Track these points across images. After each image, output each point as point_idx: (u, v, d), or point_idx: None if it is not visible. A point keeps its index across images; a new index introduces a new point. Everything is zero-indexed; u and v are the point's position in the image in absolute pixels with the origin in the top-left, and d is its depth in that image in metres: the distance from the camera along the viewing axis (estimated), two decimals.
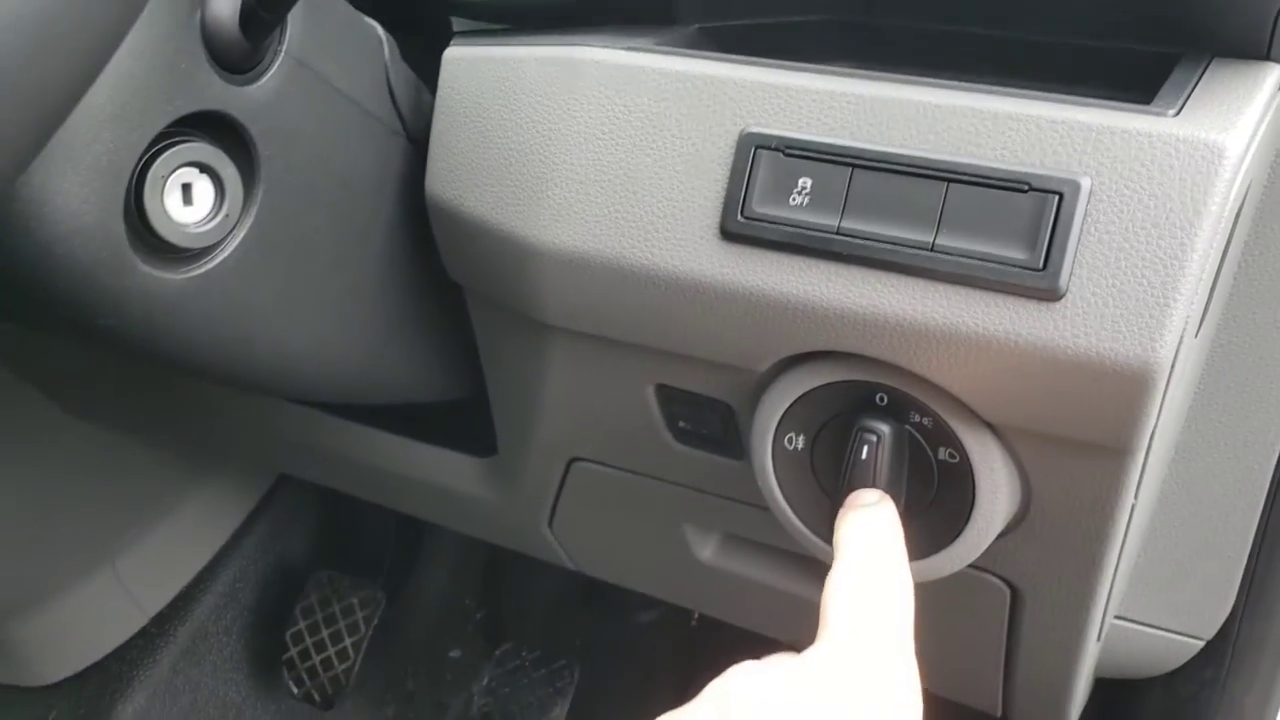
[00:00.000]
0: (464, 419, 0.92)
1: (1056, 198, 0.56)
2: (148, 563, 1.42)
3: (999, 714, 0.86)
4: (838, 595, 0.54)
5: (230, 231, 0.63)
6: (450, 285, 0.78)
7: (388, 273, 0.76)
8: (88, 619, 1.41)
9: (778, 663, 0.51)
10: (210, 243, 0.62)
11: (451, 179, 0.71)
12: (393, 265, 0.76)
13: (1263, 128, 0.58)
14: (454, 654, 1.64)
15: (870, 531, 0.58)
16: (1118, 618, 0.81)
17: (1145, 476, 0.64)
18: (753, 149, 0.62)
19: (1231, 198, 0.55)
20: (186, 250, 0.62)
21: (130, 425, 1.27)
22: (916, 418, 0.62)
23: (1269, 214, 0.70)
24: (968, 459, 0.62)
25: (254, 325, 0.67)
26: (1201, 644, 0.81)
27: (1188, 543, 0.78)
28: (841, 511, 0.61)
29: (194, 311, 0.63)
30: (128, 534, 1.41)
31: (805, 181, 0.61)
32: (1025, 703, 0.83)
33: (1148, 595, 0.80)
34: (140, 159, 0.57)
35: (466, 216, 0.70)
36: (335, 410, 0.98)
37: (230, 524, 1.49)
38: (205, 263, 0.63)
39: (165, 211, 0.59)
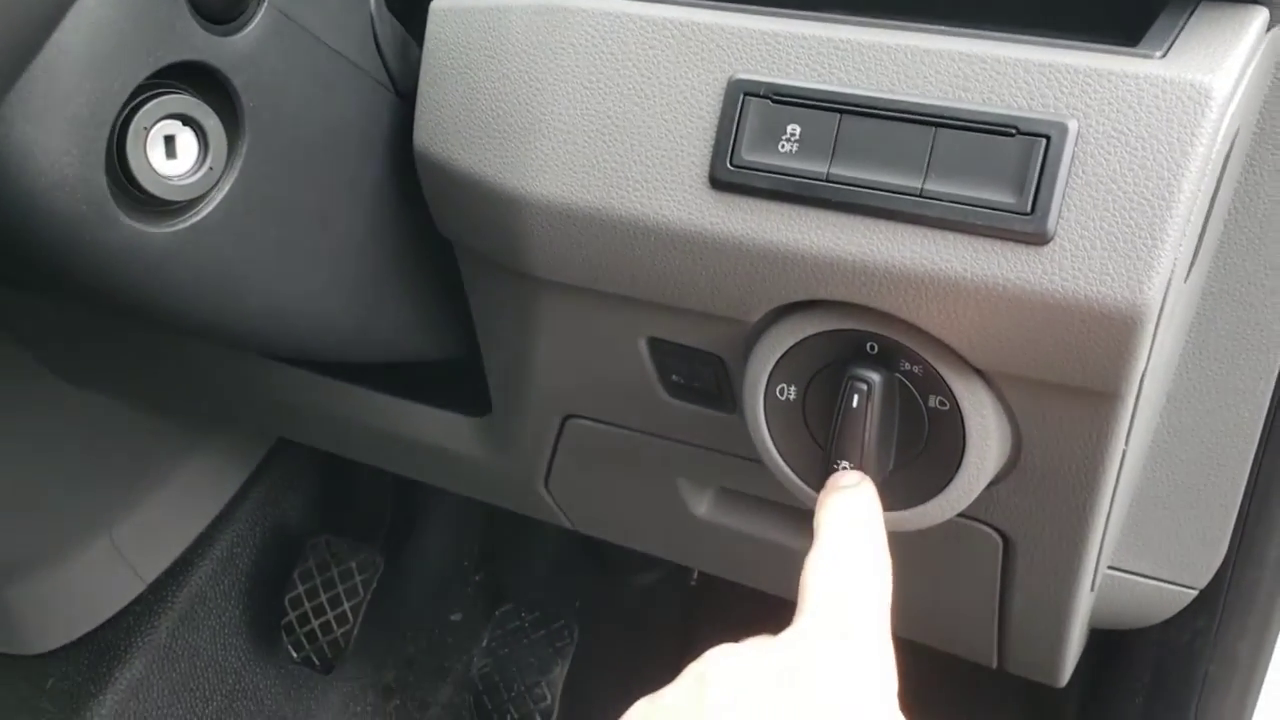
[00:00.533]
0: (458, 378, 0.92)
1: (1044, 141, 0.55)
2: (144, 530, 1.42)
3: (994, 665, 0.86)
4: (815, 577, 0.55)
5: (215, 185, 0.63)
6: (441, 241, 0.78)
7: (377, 228, 0.75)
8: (85, 587, 1.41)
9: (755, 644, 0.52)
10: (194, 196, 0.62)
11: (439, 132, 0.70)
12: (382, 220, 0.75)
13: (1250, 70, 0.57)
14: (454, 617, 1.64)
15: (849, 514, 0.59)
16: (1110, 568, 0.81)
17: (1136, 423, 0.64)
18: (741, 96, 0.61)
19: (1219, 139, 0.54)
20: (170, 203, 0.61)
21: (125, 391, 1.27)
22: (907, 366, 0.62)
23: (1258, 161, 0.69)
24: (958, 406, 0.62)
25: (241, 280, 0.67)
26: (1194, 593, 0.81)
27: (1180, 492, 0.78)
28: (821, 495, 0.61)
29: (179, 266, 0.63)
30: (124, 501, 1.40)
31: (794, 128, 0.60)
32: (1020, 654, 0.84)
33: (1140, 545, 0.80)
34: (121, 110, 0.57)
35: (455, 169, 0.70)
36: (329, 371, 0.98)
37: (227, 489, 1.49)
38: (190, 216, 0.62)
39: (148, 164, 0.59)
